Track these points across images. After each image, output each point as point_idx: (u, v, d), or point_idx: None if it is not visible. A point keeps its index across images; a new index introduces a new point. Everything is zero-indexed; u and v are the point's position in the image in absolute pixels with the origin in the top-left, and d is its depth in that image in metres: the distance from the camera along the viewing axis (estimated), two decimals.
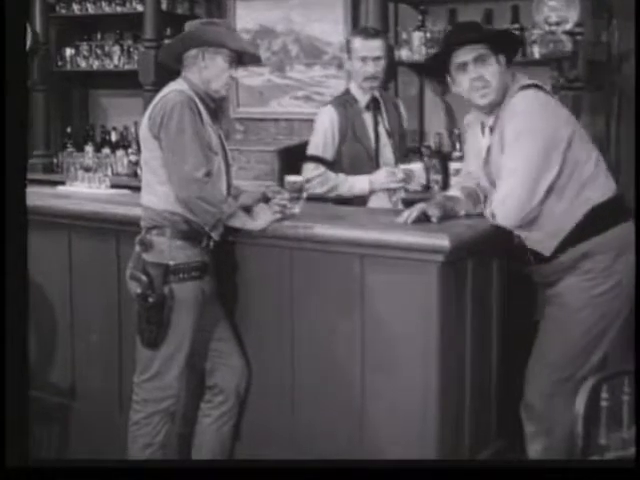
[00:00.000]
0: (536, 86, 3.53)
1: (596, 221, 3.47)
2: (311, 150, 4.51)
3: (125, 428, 3.71)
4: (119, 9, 6.43)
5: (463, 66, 3.50)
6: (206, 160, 3.56)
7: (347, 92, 4.57)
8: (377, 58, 4.40)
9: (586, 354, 3.51)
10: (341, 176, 4.42)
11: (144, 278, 3.56)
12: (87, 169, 4.86)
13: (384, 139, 4.51)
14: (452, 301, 3.46)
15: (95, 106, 7.04)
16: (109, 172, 5.11)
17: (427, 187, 5.05)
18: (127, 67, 6.42)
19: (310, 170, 4.39)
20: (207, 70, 3.66)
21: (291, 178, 3.83)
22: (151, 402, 3.66)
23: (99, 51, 6.60)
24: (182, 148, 3.51)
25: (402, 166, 4.33)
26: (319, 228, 3.60)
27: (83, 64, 6.66)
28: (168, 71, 3.90)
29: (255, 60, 3.96)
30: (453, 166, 5.15)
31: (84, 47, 6.66)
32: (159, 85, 4.26)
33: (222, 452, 3.85)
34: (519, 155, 3.40)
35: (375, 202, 4.43)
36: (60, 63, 6.73)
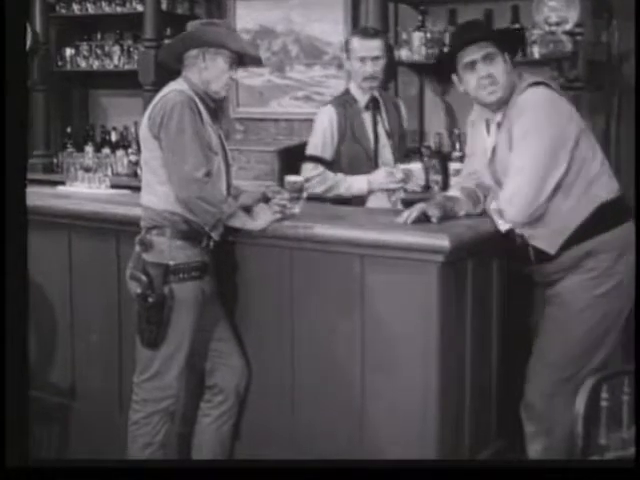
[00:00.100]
0: (544, 84, 3.54)
1: (602, 219, 3.48)
2: (310, 150, 4.51)
3: (125, 428, 3.71)
4: (119, 9, 6.43)
5: (471, 65, 3.50)
6: (206, 160, 3.56)
7: (347, 92, 4.57)
8: (376, 58, 4.40)
9: (588, 354, 3.51)
10: (340, 176, 4.42)
11: (144, 278, 3.56)
12: (87, 169, 4.85)
13: (383, 139, 4.51)
14: (452, 301, 3.46)
15: (95, 106, 7.04)
16: (109, 172, 5.10)
17: (427, 187, 5.05)
18: (127, 67, 6.42)
19: (309, 170, 4.39)
20: (207, 71, 3.66)
21: (291, 178, 3.83)
22: (151, 402, 3.66)
23: (99, 51, 6.60)
24: (182, 148, 3.51)
25: (401, 166, 4.33)
26: (319, 228, 3.60)
27: (83, 64, 6.66)
28: (168, 71, 3.90)
29: (256, 61, 3.96)
30: (453, 166, 5.15)
31: (84, 47, 6.66)
32: (159, 85, 4.25)
33: (222, 452, 3.85)
34: (527, 152, 3.41)
35: (374, 202, 4.42)
36: (60, 63, 6.73)
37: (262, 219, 3.64)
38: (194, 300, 3.61)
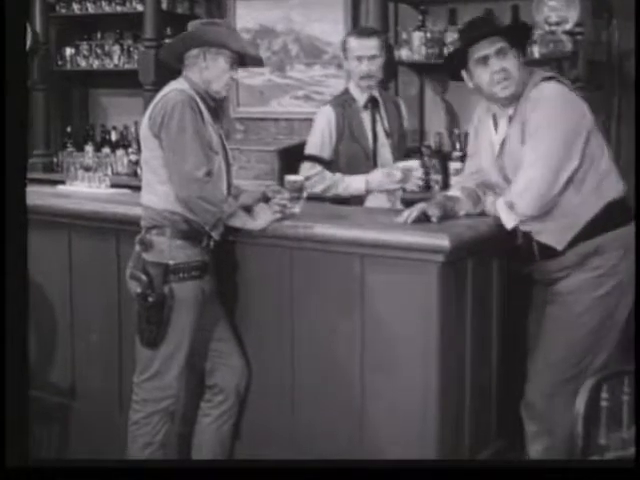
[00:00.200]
0: (556, 79, 3.57)
1: (609, 217, 3.50)
2: (308, 149, 4.51)
3: (125, 428, 3.71)
4: (119, 9, 6.42)
5: (484, 59, 3.50)
6: (207, 159, 3.56)
7: (346, 92, 4.57)
8: (373, 57, 4.40)
9: (590, 355, 3.52)
10: (338, 175, 4.42)
11: (144, 277, 3.56)
12: (87, 168, 4.86)
13: (382, 138, 4.51)
14: (452, 301, 3.46)
15: (95, 105, 7.04)
16: (109, 172, 5.10)
17: (427, 187, 5.06)
18: (127, 67, 6.41)
19: (307, 169, 4.40)
20: (208, 71, 3.65)
21: (291, 178, 3.83)
22: (151, 402, 3.66)
23: (99, 50, 6.60)
24: (183, 147, 3.51)
25: (399, 164, 4.33)
26: (319, 228, 3.60)
27: (83, 63, 6.65)
28: (169, 70, 3.90)
29: (256, 61, 3.96)
30: (453, 166, 5.18)
31: (84, 47, 6.65)
32: (159, 85, 4.25)
33: (222, 452, 3.85)
34: (541, 145, 3.42)
35: (372, 202, 4.42)
36: (60, 62, 6.72)
37: (262, 219, 3.64)
38: (194, 300, 3.61)
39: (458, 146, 5.33)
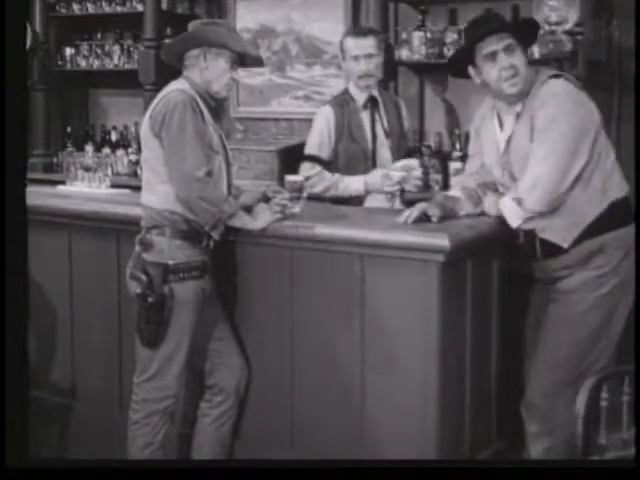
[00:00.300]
0: (564, 76, 3.59)
1: (614, 216, 3.51)
2: (307, 150, 4.52)
3: (125, 428, 3.70)
4: (119, 9, 6.42)
5: (492, 55, 3.51)
6: (207, 159, 3.56)
7: (345, 92, 4.58)
8: (369, 56, 4.40)
9: (591, 355, 3.52)
10: (337, 176, 4.42)
11: (144, 278, 3.56)
12: (87, 169, 4.85)
13: (381, 139, 4.51)
14: (452, 301, 3.46)
15: (95, 106, 7.03)
16: (109, 172, 5.10)
17: (427, 186, 5.05)
18: (127, 67, 6.41)
19: (306, 169, 4.40)
20: (208, 71, 3.65)
21: (291, 178, 3.83)
22: (150, 402, 3.65)
23: (99, 50, 6.59)
24: (183, 147, 3.51)
25: (398, 164, 4.32)
26: (319, 228, 3.60)
27: (83, 63, 6.65)
28: (169, 70, 3.90)
29: (257, 62, 3.95)
30: (453, 166, 5.17)
31: (84, 47, 6.65)
32: (159, 85, 4.27)
33: (222, 452, 3.85)
34: (550, 141, 3.43)
35: (372, 202, 4.42)
36: (60, 62, 6.72)
37: (262, 219, 3.64)
38: (194, 300, 3.61)
39: (458, 146, 5.33)
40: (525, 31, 3.63)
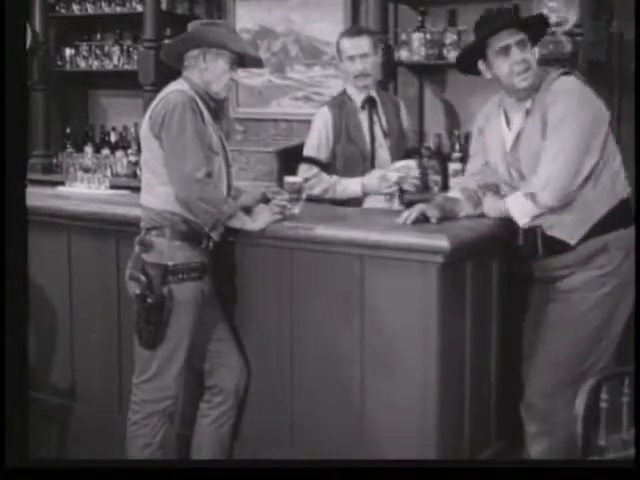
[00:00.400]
0: (575, 75, 3.61)
1: (619, 216, 3.52)
2: (306, 151, 4.52)
3: (124, 428, 3.70)
4: (119, 9, 6.43)
5: (505, 50, 3.52)
6: (207, 160, 3.56)
7: (343, 93, 4.58)
8: (365, 55, 4.41)
9: (593, 355, 3.52)
10: (334, 178, 4.42)
11: (143, 278, 3.56)
12: (86, 170, 4.85)
13: (380, 139, 4.50)
14: (452, 302, 3.46)
15: (94, 106, 7.04)
16: (108, 173, 5.12)
17: (426, 187, 5.05)
18: (127, 67, 6.42)
19: (304, 172, 4.39)
20: (208, 71, 3.66)
21: (290, 179, 3.84)
22: (149, 403, 3.65)
23: (99, 51, 6.60)
24: (183, 148, 3.51)
25: (396, 164, 4.32)
26: (319, 229, 3.60)
27: (83, 64, 6.66)
28: (169, 70, 3.90)
29: (256, 62, 3.96)
30: (452, 167, 5.17)
31: (84, 47, 6.66)
32: (159, 85, 4.26)
33: (221, 452, 3.85)
34: (564, 136, 3.44)
35: (370, 203, 4.42)
36: (60, 63, 6.72)
37: (261, 220, 3.64)
38: (193, 301, 3.60)
39: (457, 147, 5.33)
40: (535, 27, 3.64)
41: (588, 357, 3.52)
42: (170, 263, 3.57)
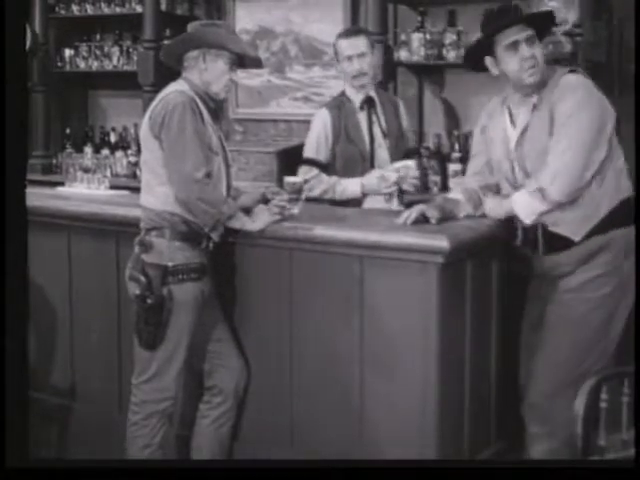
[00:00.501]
0: (582, 73, 3.62)
1: (621, 215, 3.53)
2: (305, 153, 4.51)
3: (124, 428, 3.70)
4: (118, 10, 6.43)
5: (514, 45, 3.53)
6: (206, 161, 3.56)
7: (342, 93, 4.58)
8: (362, 54, 4.40)
9: (594, 355, 3.52)
10: (334, 179, 4.41)
11: (143, 279, 3.56)
12: (86, 170, 4.85)
13: (379, 139, 4.49)
14: (451, 302, 3.46)
15: (94, 107, 7.04)
16: (108, 173, 5.12)
17: (426, 188, 5.05)
18: (126, 68, 6.42)
19: (304, 173, 4.38)
20: (207, 72, 3.66)
21: (290, 179, 3.84)
22: (149, 403, 3.65)
23: (98, 52, 6.60)
24: (183, 148, 3.51)
25: (395, 164, 4.32)
26: (319, 229, 3.60)
27: (82, 65, 6.67)
28: (168, 71, 3.90)
29: (256, 63, 3.96)
30: (452, 167, 5.17)
31: (83, 48, 6.66)
32: (158, 86, 4.26)
33: (221, 453, 3.84)
34: (573, 131, 3.45)
35: (371, 203, 4.41)
36: (59, 64, 6.73)
37: (261, 220, 3.64)
38: (193, 301, 3.60)
39: (457, 147, 5.33)
40: (542, 24, 3.65)
41: (589, 357, 3.52)
42: (170, 264, 3.57)
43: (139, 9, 6.19)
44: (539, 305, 3.66)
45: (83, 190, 4.74)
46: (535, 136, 3.55)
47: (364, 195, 4.40)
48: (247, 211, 3.68)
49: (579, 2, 4.68)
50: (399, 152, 4.53)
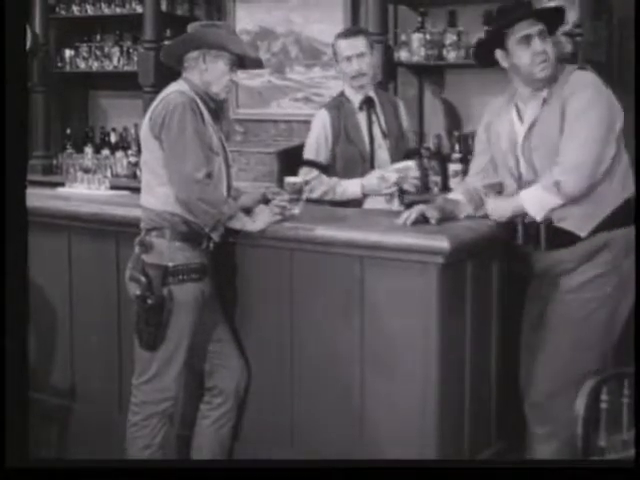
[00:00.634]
0: (591, 70, 3.63)
1: (624, 213, 3.53)
2: (305, 154, 4.51)
3: (124, 428, 3.70)
4: (118, 10, 6.44)
5: (526, 39, 3.53)
6: (207, 161, 3.56)
7: (341, 94, 4.57)
8: (361, 54, 4.40)
9: (594, 354, 3.52)
10: (334, 180, 4.41)
11: (143, 279, 3.56)
12: (86, 170, 4.85)
13: (379, 140, 4.49)
14: (452, 302, 3.46)
15: (94, 107, 7.04)
16: (108, 173, 5.11)
17: (426, 188, 5.05)
18: (126, 68, 6.43)
19: (304, 174, 4.38)
20: (208, 73, 3.66)
21: (291, 179, 3.83)
22: (149, 404, 3.65)
23: (98, 52, 6.61)
24: (183, 148, 3.51)
25: (395, 165, 4.32)
26: (319, 230, 3.60)
27: (82, 65, 6.67)
28: (169, 72, 3.90)
29: (256, 64, 3.96)
30: (452, 168, 5.17)
31: (84, 48, 6.66)
32: (158, 86, 4.26)
33: (221, 453, 3.84)
34: (588, 125, 3.45)
35: (371, 203, 4.41)
36: (60, 64, 6.73)
37: (261, 220, 3.64)
38: (193, 302, 3.60)
39: (457, 148, 5.33)
40: (553, 19, 3.65)
41: (589, 357, 3.52)
42: (170, 264, 3.57)
43: (139, 9, 6.19)
44: (539, 305, 3.65)
45: (83, 190, 4.74)
46: (544, 129, 3.55)
47: (364, 196, 4.39)
48: (248, 211, 3.68)
49: (579, 2, 4.68)
50: (399, 153, 4.52)
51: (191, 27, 3.81)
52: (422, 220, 3.58)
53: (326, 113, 4.49)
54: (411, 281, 3.43)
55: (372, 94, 4.52)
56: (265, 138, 6.12)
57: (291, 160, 4.91)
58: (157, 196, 3.62)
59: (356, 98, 4.50)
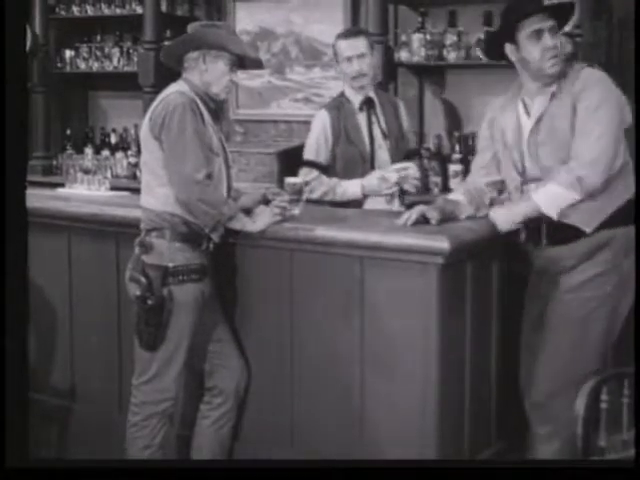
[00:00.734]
0: (598, 68, 3.65)
1: (625, 212, 3.52)
2: (305, 155, 4.51)
3: (124, 428, 3.70)
4: (118, 11, 6.43)
5: (537, 34, 3.53)
6: (207, 162, 3.56)
7: (341, 94, 4.57)
8: (362, 55, 4.40)
9: (598, 354, 3.52)
10: (334, 180, 4.41)
11: (143, 280, 3.56)
12: (86, 171, 4.85)
13: (379, 140, 4.49)
14: (452, 303, 3.46)
15: (95, 108, 7.04)
16: (108, 174, 5.11)
17: (426, 189, 5.05)
18: (127, 69, 6.42)
19: (304, 175, 4.38)
20: (208, 73, 3.66)
21: (291, 180, 3.83)
22: (149, 404, 3.65)
23: (99, 53, 6.61)
24: (183, 149, 3.51)
25: (395, 166, 4.32)
26: (319, 230, 3.61)
27: (83, 66, 6.67)
28: (169, 72, 3.90)
29: (256, 64, 3.96)
30: (452, 168, 5.17)
31: (84, 49, 6.66)
32: (159, 87, 4.26)
33: (221, 453, 3.84)
34: (604, 120, 3.46)
35: (371, 204, 4.41)
36: (60, 65, 6.73)
37: (261, 221, 3.64)
38: (193, 302, 3.61)
39: (457, 148, 5.33)
40: (563, 15, 3.65)
41: (589, 357, 3.52)
42: (170, 264, 3.57)
43: (139, 10, 6.19)
44: (539, 304, 3.65)
45: (83, 191, 4.74)
46: (553, 123, 3.55)
47: (365, 196, 4.39)
48: (248, 212, 3.69)
49: (579, 2, 4.67)
50: (399, 153, 4.52)
51: (191, 27, 3.81)
52: (422, 221, 3.58)
53: (326, 113, 4.49)
54: (411, 281, 3.43)
55: (372, 95, 4.52)
56: (265, 139, 6.12)
57: (291, 161, 4.91)
58: (157, 197, 3.62)
59: (356, 99, 4.50)
